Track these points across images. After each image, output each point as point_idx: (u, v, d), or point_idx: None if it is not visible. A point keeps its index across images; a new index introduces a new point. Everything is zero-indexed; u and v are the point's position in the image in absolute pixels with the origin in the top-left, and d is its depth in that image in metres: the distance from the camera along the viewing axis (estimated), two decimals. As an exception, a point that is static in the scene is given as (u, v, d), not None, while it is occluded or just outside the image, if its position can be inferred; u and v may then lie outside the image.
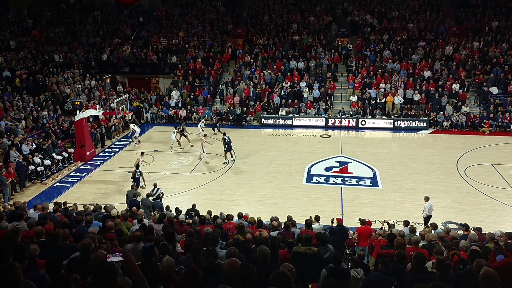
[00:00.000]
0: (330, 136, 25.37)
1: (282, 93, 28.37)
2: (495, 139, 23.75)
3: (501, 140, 23.51)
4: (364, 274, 6.89)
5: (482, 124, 25.00)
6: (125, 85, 32.09)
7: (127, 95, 26.18)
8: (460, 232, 11.78)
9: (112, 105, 24.54)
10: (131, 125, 24.57)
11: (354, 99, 27.66)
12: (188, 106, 28.39)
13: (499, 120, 24.98)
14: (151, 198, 14.48)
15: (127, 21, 36.30)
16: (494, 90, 26.37)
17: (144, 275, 4.25)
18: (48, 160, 19.78)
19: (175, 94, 29.31)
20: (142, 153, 19.42)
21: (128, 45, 33.17)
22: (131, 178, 17.30)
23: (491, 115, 25.22)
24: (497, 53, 28.59)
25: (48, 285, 3.66)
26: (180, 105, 28.66)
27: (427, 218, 14.10)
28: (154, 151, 22.76)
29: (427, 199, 14.29)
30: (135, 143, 23.90)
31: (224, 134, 21.35)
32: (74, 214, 10.92)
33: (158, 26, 35.47)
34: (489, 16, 31.77)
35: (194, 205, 13.68)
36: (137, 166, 17.59)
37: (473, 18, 32.21)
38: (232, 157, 21.36)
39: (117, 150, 23.49)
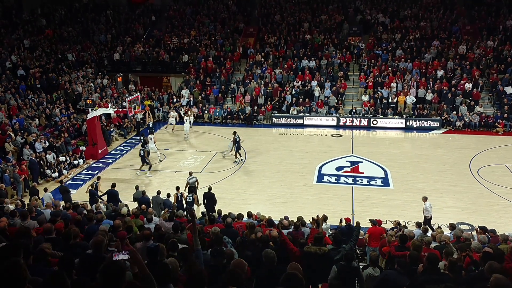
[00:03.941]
0: (341, 136, 25.24)
1: (293, 92, 28.29)
2: (509, 139, 23.40)
3: (515, 141, 23.18)
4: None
5: (496, 124, 24.67)
6: (137, 83, 32.27)
7: (138, 93, 26.32)
8: (474, 233, 11.67)
9: (124, 103, 24.69)
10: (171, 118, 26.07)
11: (365, 98, 27.48)
12: (200, 105, 28.45)
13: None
14: (172, 193, 14.82)
15: (139, 20, 36.50)
16: (509, 89, 25.99)
17: (153, 274, 4.26)
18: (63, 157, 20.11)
19: (185, 93, 29.37)
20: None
21: (140, 44, 33.35)
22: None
23: (505, 115, 24.87)
24: (511, 52, 28.16)
25: (46, 282, 3.67)
26: (191, 104, 28.71)
27: (430, 219, 13.95)
28: (165, 149, 22.85)
29: (425, 199, 14.15)
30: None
31: (234, 132, 21.27)
32: (85, 212, 11.00)
33: (170, 25, 35.59)
34: (504, 15, 31.33)
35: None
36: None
37: (488, 17, 31.78)
38: (241, 156, 21.33)
39: (129, 148, 23.64)
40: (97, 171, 20.41)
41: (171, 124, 26.20)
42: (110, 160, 21.87)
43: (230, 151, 21.35)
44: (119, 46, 33.22)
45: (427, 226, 12.00)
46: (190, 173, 16.91)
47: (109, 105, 24.99)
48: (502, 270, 5.24)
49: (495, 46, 29.18)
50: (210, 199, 15.15)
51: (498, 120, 24.74)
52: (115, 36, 34.84)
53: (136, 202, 14.31)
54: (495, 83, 26.78)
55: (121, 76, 29.50)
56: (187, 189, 16.26)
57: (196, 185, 16.59)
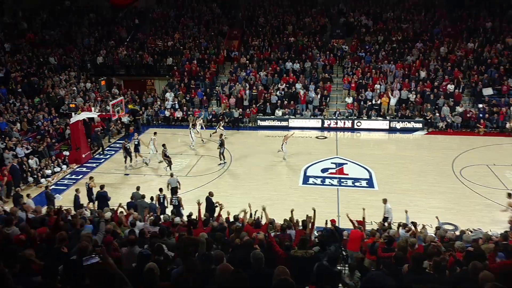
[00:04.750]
0: (326, 138, 25.40)
1: (278, 94, 28.36)
2: (490, 139, 23.83)
3: (496, 141, 23.60)
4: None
5: (477, 125, 25.07)
6: (121, 87, 32.01)
7: (122, 97, 26.14)
8: (457, 233, 11.86)
9: (107, 107, 24.49)
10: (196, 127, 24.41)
11: (349, 100, 27.69)
12: (184, 108, 28.34)
13: (494, 121, 25.07)
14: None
15: (123, 23, 36.23)
16: (489, 91, 26.45)
17: (139, 279, 4.23)
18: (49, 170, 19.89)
19: (169, 96, 29.19)
20: (155, 133, 22.05)
21: (123, 47, 33.09)
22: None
23: (487, 115, 25.30)
24: (491, 54, 28.70)
25: None
26: (176, 107, 28.58)
27: (390, 221, 14.04)
28: (153, 152, 22.65)
29: (385, 201, 14.27)
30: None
31: (221, 135, 21.36)
32: (70, 217, 10.85)
33: (154, 28, 35.41)
34: (484, 17, 31.91)
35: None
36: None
37: (468, 19, 32.33)
38: (224, 159, 21.27)
39: (113, 152, 23.41)
40: (81, 176, 20.18)
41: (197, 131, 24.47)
42: (94, 165, 21.63)
43: (222, 152, 21.19)
44: (103, 49, 32.91)
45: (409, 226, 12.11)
46: (171, 175, 17.29)
47: (93, 109, 24.77)
48: (486, 269, 5.33)
49: (476, 47, 29.69)
50: (208, 204, 15.06)
51: (481, 120, 25.13)
52: (98, 39, 34.53)
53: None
54: (476, 84, 27.24)
55: (105, 80, 29.26)
56: (169, 190, 16.46)
57: (178, 186, 16.87)
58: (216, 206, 14.09)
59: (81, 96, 27.49)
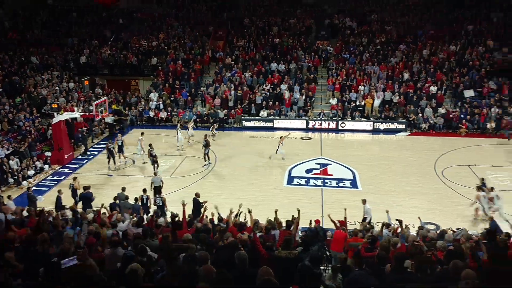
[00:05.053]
0: (310, 138, 25.52)
1: (263, 95, 28.39)
2: (471, 140, 24.21)
3: (477, 142, 23.98)
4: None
5: (459, 125, 25.43)
6: (104, 87, 31.67)
7: (106, 97, 25.88)
8: (438, 232, 12.02)
9: (90, 107, 24.23)
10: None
11: (333, 101, 27.86)
12: (169, 108, 28.18)
13: (475, 122, 25.49)
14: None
15: (107, 23, 35.89)
16: (471, 92, 26.87)
17: (123, 280, 4.21)
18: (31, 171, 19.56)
19: (153, 96, 28.99)
20: (142, 133, 21.90)
21: (107, 47, 32.77)
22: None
23: (468, 116, 25.71)
24: (473, 56, 29.19)
25: None
26: (160, 107, 28.39)
27: (369, 221, 14.20)
28: (133, 154, 22.44)
29: (364, 201, 14.42)
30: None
31: (206, 136, 21.34)
32: (51, 219, 10.71)
33: (138, 28, 35.15)
34: (465, 20, 32.42)
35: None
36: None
37: (450, 22, 32.82)
38: (209, 159, 21.18)
39: (96, 153, 23.15)
40: (63, 177, 19.92)
41: (192, 136, 24.32)
42: (77, 166, 21.37)
43: (207, 154, 21.13)
44: (86, 49, 32.55)
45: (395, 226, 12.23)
46: (155, 174, 17.39)
47: (76, 109, 24.46)
48: (466, 268, 5.41)
49: (457, 50, 30.15)
50: (195, 205, 14.99)
51: (463, 121, 25.50)
52: (82, 39, 34.13)
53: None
54: (458, 86, 27.66)
55: (88, 80, 28.92)
56: (152, 189, 16.40)
57: (162, 186, 16.85)
58: (203, 207, 14.08)
59: (63, 96, 27.14)
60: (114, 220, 10.62)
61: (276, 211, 11.72)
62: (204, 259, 6.19)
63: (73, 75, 30.96)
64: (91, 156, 22.66)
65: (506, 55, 28.89)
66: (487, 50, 29.52)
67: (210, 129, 25.23)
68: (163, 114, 27.93)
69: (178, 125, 23.93)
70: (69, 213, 13.09)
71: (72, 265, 4.04)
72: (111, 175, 20.03)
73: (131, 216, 12.67)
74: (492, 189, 15.73)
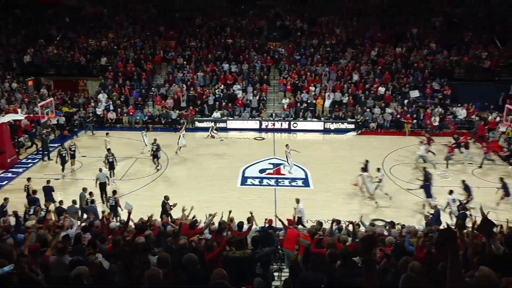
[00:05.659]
0: (263, 139, 25.72)
1: (216, 95, 28.31)
2: (417, 139, 25.14)
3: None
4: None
5: (403, 119, 26.27)
6: (50, 87, 30.47)
7: (52, 98, 24.94)
8: (386, 228, 12.46)
9: (36, 108, 23.26)
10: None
11: (286, 102, 28.21)
12: (119, 109, 27.49)
13: (420, 119, 26.60)
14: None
15: (53, 21, 34.56)
16: (416, 93, 28.01)
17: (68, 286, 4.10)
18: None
19: (102, 97, 28.14)
20: (107, 134, 21.67)
21: (53, 46, 31.56)
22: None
23: (414, 115, 26.81)
24: (417, 58, 30.48)
25: None
26: (110, 108, 27.61)
27: (301, 219, 14.56)
28: (82, 156, 21.74)
29: (298, 201, 14.73)
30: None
31: (155, 140, 20.65)
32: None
33: (86, 27, 34.10)
34: (411, 23, 33.79)
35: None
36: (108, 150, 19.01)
37: (396, 25, 34.10)
38: (157, 165, 20.62)
39: (40, 156, 22.20)
40: (5, 182, 18.98)
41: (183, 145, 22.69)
42: (20, 170, 20.43)
43: (158, 157, 20.71)
44: (30, 48, 31.18)
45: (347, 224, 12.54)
46: (100, 170, 17.06)
47: (19, 110, 23.40)
48: (415, 261, 5.66)
49: (403, 52, 31.38)
50: (162, 207, 14.73)
51: (408, 115, 26.50)
52: (26, 37, 32.68)
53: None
54: (403, 87, 28.77)
55: (33, 80, 27.74)
56: (98, 186, 16.35)
57: (107, 182, 16.83)
58: (171, 209, 14.00)
59: (5, 97, 25.87)
60: (58, 226, 10.24)
61: (229, 212, 11.75)
62: (165, 262, 6.09)
63: (16, 75, 29.59)
64: (37, 160, 21.74)
65: (447, 57, 30.45)
66: (430, 52, 30.93)
67: (209, 130, 24.79)
68: (112, 115, 27.18)
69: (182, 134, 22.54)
70: (11, 220, 12.49)
71: (7, 271, 3.87)
72: (58, 179, 19.23)
73: (80, 221, 12.30)
74: (378, 169, 17.54)
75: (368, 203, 17.23)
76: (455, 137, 22.28)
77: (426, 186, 16.76)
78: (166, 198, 14.70)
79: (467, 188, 16.15)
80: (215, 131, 24.90)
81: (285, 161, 20.96)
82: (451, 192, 15.73)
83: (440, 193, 17.07)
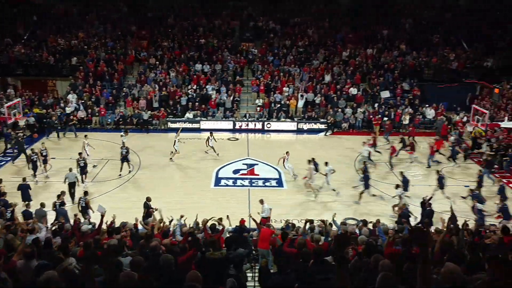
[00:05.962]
0: (237, 139, 25.70)
1: (189, 96, 28.12)
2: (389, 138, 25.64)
3: (393, 139, 25.28)
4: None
5: (372, 120, 26.63)
6: (17, 88, 29.63)
7: (19, 99, 24.26)
8: (359, 226, 12.65)
9: (2, 109, 22.59)
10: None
11: (259, 102, 28.28)
12: (90, 110, 26.92)
13: (391, 118, 27.08)
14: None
15: (20, 19, 33.60)
16: (386, 93, 28.54)
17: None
18: None
19: (72, 97, 27.47)
20: (86, 136, 20.91)
21: (20, 45, 30.70)
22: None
23: (386, 114, 27.28)
24: (388, 59, 31.07)
25: None
26: (80, 108, 26.99)
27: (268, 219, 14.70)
28: (52, 158, 21.19)
29: (262, 201, 14.74)
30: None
31: (123, 144, 20.18)
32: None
33: (55, 26, 33.31)
34: (382, 25, 34.43)
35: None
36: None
37: (368, 26, 34.67)
38: (129, 167, 20.23)
39: (9, 158, 21.59)
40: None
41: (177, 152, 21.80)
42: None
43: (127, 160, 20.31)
44: (-5, 47, 30.30)
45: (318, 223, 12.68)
46: (70, 169, 16.90)
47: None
48: (385, 258, 5.77)
49: (374, 53, 31.92)
50: (145, 209, 14.51)
51: (378, 116, 26.93)
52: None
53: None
54: (374, 87, 29.27)
55: (-2, 80, 26.94)
56: (67, 185, 16.28)
57: (76, 182, 16.75)
58: (153, 211, 13.89)
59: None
60: (26, 230, 10.00)
61: (213, 215, 11.76)
62: (139, 265, 6.02)
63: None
64: (3, 162, 21.12)
65: (416, 58, 31.15)
66: (400, 54, 31.57)
67: (206, 140, 22.63)
68: (82, 114, 26.54)
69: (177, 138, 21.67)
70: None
71: None
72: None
73: (50, 224, 12.04)
74: (326, 164, 18.27)
75: (340, 201, 17.46)
76: (404, 138, 22.74)
77: (366, 176, 17.57)
78: (148, 199, 14.55)
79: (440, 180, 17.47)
80: (209, 143, 22.49)
81: (259, 161, 21.02)
82: (397, 186, 16.62)
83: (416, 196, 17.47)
